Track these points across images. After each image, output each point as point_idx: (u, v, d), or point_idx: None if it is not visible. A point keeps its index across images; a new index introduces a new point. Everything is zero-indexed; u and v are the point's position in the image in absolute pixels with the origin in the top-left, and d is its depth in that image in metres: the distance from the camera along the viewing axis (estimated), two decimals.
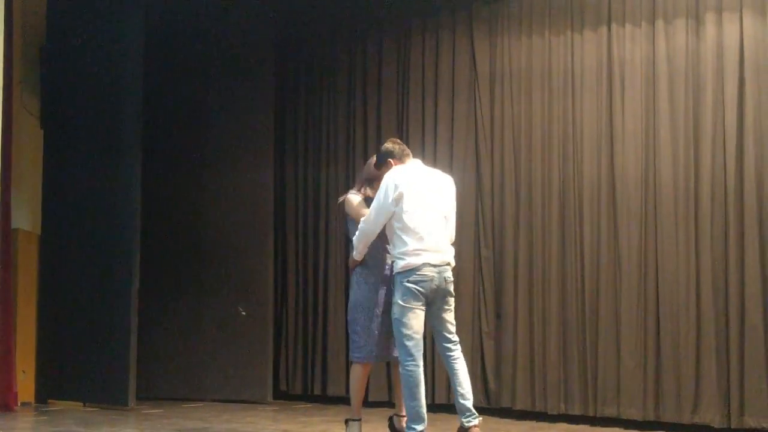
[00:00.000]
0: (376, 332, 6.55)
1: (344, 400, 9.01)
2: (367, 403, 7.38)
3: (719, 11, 7.51)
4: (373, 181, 6.70)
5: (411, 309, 6.20)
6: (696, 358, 7.40)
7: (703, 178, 7.50)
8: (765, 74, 7.28)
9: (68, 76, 9.22)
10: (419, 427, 6.13)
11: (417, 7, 9.18)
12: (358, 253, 6.57)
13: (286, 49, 9.97)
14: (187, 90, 9.70)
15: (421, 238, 6.24)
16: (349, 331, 6.74)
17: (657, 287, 7.65)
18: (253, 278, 9.55)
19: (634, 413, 7.64)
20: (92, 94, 9.10)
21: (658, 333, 7.61)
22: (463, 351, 6.60)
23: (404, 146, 6.64)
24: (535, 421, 7.89)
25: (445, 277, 6.30)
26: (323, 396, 9.40)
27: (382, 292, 6.60)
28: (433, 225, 6.32)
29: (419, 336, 6.23)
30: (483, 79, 8.73)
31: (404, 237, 6.24)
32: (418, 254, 6.21)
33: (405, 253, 6.23)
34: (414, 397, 6.15)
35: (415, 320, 6.22)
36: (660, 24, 7.78)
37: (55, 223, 9.22)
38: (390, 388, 8.72)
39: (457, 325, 6.58)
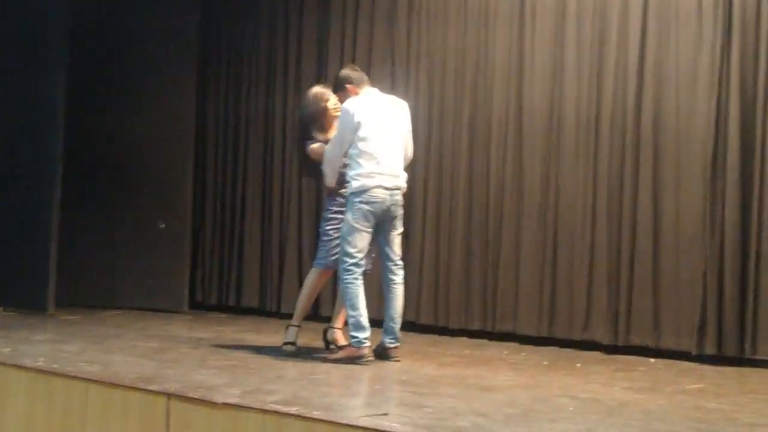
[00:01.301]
0: None
1: (257, 311, 9.09)
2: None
3: None
4: (317, 122, 6.79)
5: (359, 230, 6.34)
6: (588, 281, 7.49)
7: (604, 112, 7.52)
8: (666, 14, 7.28)
9: None
10: (362, 335, 6.25)
11: None
12: (329, 179, 6.66)
13: None
14: (113, 17, 9.45)
15: (376, 162, 6.38)
16: (319, 242, 6.85)
17: (556, 213, 7.70)
18: (173, 194, 9.50)
19: (529, 329, 7.75)
20: (18, 22, 8.88)
21: (554, 256, 7.69)
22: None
23: (362, 73, 6.76)
24: (437, 335, 7.98)
25: (396, 200, 6.47)
26: (237, 307, 9.41)
27: None
28: (388, 150, 6.48)
29: (362, 255, 6.37)
30: (401, 9, 8.62)
31: (360, 160, 6.37)
32: (371, 177, 6.36)
33: (359, 175, 6.36)
34: (355, 308, 6.28)
35: (361, 240, 6.36)
36: None
37: None
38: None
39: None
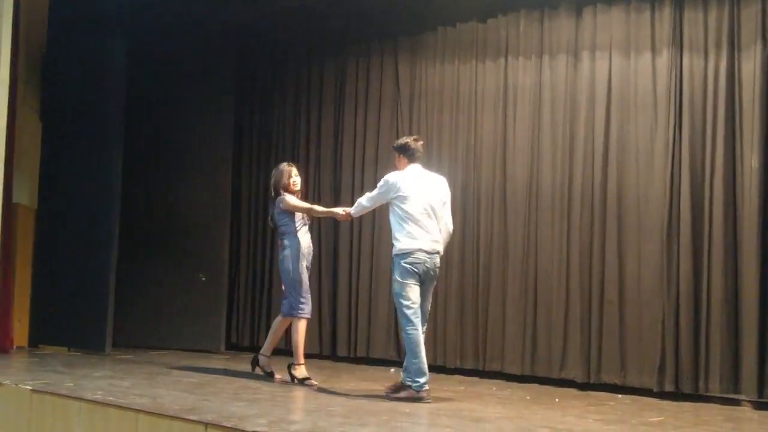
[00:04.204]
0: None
1: (282, 352, 8.98)
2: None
3: (593, 50, 7.54)
4: (278, 187, 7.13)
5: (409, 285, 6.19)
6: (564, 326, 7.44)
7: (575, 183, 7.53)
8: (627, 102, 7.34)
9: (64, 78, 9.04)
10: (422, 380, 6.10)
11: (352, 36, 9.13)
12: (354, 215, 6.82)
13: (244, 70, 9.88)
14: (159, 98, 9.52)
15: (417, 228, 6.23)
16: (293, 293, 6.90)
17: (536, 268, 7.67)
18: (212, 251, 9.51)
19: (514, 369, 7.68)
20: (83, 94, 8.91)
21: (535, 305, 7.65)
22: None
23: (417, 149, 6.50)
24: (435, 373, 7.84)
25: (434, 263, 6.30)
26: None
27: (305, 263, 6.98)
28: (427, 218, 6.28)
29: (417, 305, 6.20)
30: (404, 97, 8.69)
31: (403, 224, 6.26)
32: (413, 240, 6.21)
33: (402, 237, 6.25)
34: (416, 355, 6.10)
35: (412, 293, 6.20)
36: (546, 58, 7.79)
37: (49, 200, 9.05)
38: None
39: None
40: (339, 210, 7.01)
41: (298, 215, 7.11)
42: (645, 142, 7.22)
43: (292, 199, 7.10)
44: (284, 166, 7.28)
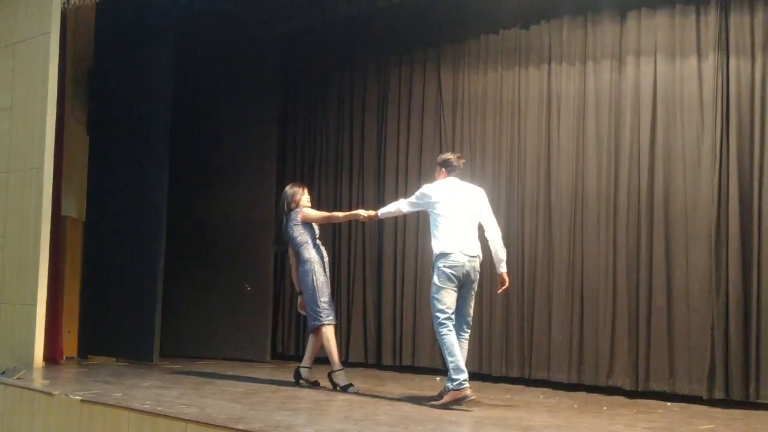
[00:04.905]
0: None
1: (328, 361, 9.03)
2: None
3: (638, 55, 7.49)
4: (291, 203, 7.24)
5: (445, 288, 6.26)
6: (611, 334, 7.38)
7: (621, 189, 7.49)
8: (673, 106, 7.28)
9: (110, 93, 9.18)
10: (461, 377, 6.12)
11: (394, 44, 9.18)
12: (382, 215, 6.85)
13: (288, 79, 9.96)
14: (207, 110, 9.68)
15: (454, 234, 6.32)
16: (313, 305, 7.03)
17: (582, 275, 7.63)
18: (257, 262, 9.59)
19: (560, 376, 7.63)
20: (129, 109, 9.05)
21: (581, 312, 7.60)
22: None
23: (457, 166, 6.60)
24: (481, 381, 7.86)
25: (474, 266, 6.37)
26: None
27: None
28: (463, 225, 6.38)
29: (451, 310, 6.26)
30: (447, 104, 8.71)
31: (441, 229, 6.35)
32: (451, 243, 6.30)
33: (439, 241, 6.34)
34: (451, 353, 6.15)
35: (448, 298, 6.27)
36: (590, 64, 7.77)
37: (97, 212, 9.18)
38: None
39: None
40: (362, 212, 7.08)
41: (315, 226, 7.23)
42: (691, 147, 7.15)
43: (310, 211, 7.25)
44: (296, 184, 7.47)
